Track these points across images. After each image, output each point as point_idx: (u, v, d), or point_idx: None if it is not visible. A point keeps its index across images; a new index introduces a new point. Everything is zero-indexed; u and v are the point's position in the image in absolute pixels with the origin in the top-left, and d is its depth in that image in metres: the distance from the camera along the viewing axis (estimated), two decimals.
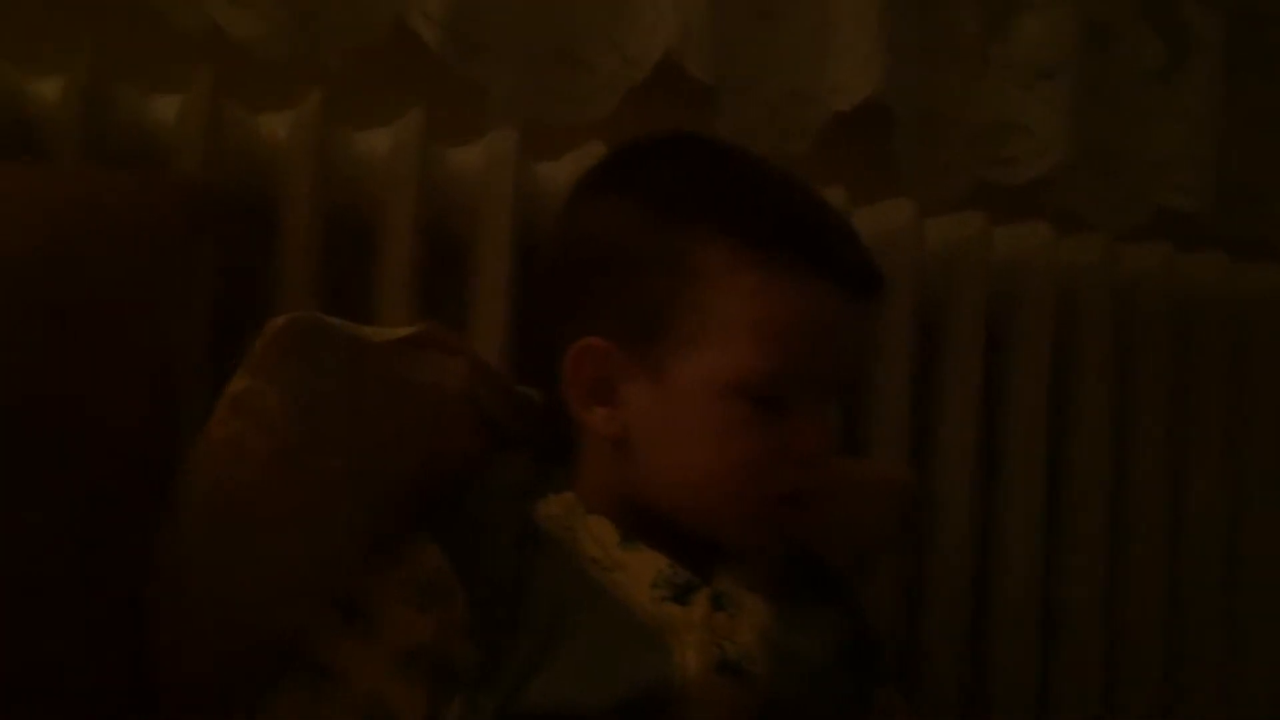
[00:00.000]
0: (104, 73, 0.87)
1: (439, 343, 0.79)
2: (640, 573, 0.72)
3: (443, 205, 0.94)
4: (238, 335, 0.75)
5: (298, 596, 0.71)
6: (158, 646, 0.70)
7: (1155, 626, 1.13)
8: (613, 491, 0.74)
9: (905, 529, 0.99)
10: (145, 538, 0.70)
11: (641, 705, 0.67)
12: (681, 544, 0.73)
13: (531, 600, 0.69)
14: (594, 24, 0.96)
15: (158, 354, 0.75)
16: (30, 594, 0.67)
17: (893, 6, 1.02)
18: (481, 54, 0.92)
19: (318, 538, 0.72)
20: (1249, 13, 1.17)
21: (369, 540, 0.73)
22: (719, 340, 0.70)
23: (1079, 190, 1.11)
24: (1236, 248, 1.19)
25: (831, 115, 1.03)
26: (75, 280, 0.71)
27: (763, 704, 0.70)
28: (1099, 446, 1.11)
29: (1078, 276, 1.12)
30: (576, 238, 0.77)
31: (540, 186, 0.96)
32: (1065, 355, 1.12)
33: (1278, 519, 1.18)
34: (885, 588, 1.01)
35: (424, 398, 0.76)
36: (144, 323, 0.74)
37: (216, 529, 0.70)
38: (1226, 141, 1.17)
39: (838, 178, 1.01)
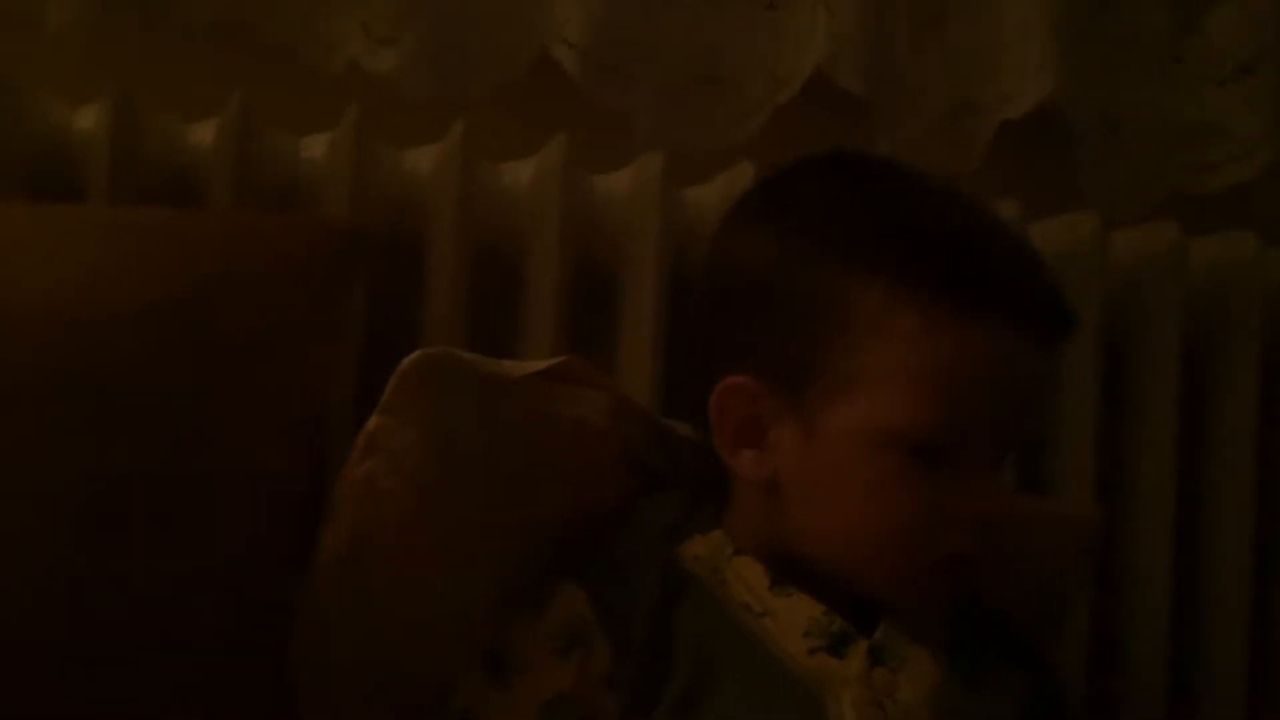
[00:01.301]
0: (254, 115, 0.88)
1: (580, 377, 0.76)
2: (792, 620, 0.67)
3: (588, 234, 0.92)
4: (388, 374, 0.73)
5: (439, 642, 0.70)
6: (303, 693, 0.70)
7: None
8: (763, 534, 0.70)
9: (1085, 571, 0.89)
10: (292, 578, 0.70)
11: None
12: (838, 590, 0.68)
13: (677, 647, 0.66)
14: (739, 43, 0.93)
15: (305, 398, 0.76)
16: (176, 640, 0.67)
17: (1069, 6, 0.95)
18: (624, 80, 0.90)
19: (458, 581, 0.70)
20: None
21: (513, 584, 0.70)
22: (875, 388, 0.64)
23: None
24: None
25: (1001, 126, 0.95)
26: (221, 325, 0.72)
27: None
28: None
29: None
30: (725, 268, 0.72)
31: (689, 212, 0.94)
32: (1277, 381, 1.00)
33: None
34: (1076, 639, 0.92)
35: (565, 434, 0.73)
36: (290, 367, 0.75)
37: (354, 571, 0.69)
38: None
39: (1012, 191, 0.94)
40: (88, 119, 0.88)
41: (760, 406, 0.67)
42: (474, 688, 0.68)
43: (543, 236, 0.91)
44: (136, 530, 0.67)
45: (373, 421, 0.68)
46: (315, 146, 0.91)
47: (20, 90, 0.88)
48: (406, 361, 0.68)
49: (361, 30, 0.86)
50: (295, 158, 0.90)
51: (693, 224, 0.93)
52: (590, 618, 0.67)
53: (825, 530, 0.67)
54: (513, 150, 0.94)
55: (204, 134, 0.89)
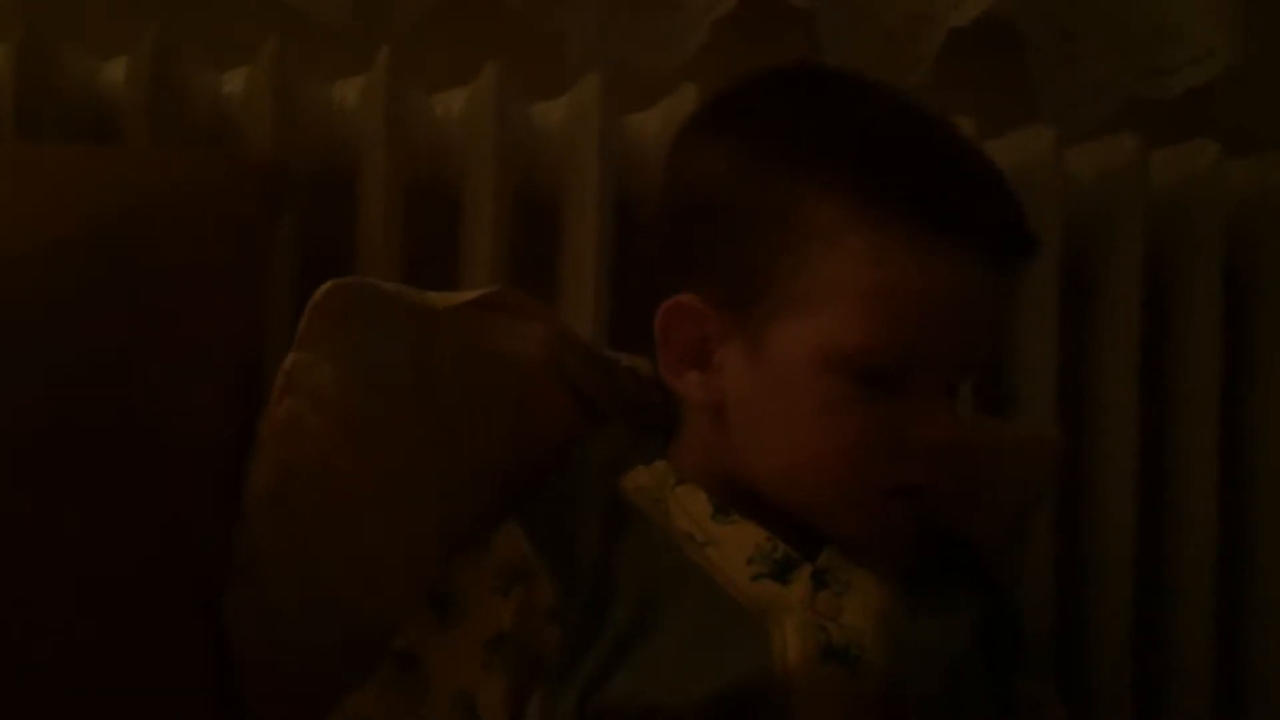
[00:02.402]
0: (171, 51, 0.85)
1: (514, 307, 0.73)
2: (735, 548, 0.65)
3: (526, 163, 0.89)
4: None
5: (381, 582, 0.68)
6: (240, 643, 0.68)
7: None
8: (712, 463, 0.67)
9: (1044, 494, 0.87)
10: (224, 523, 0.68)
11: (738, 698, 0.60)
12: (784, 516, 0.65)
13: (620, 580, 0.64)
14: None
15: (231, 335, 0.73)
16: (106, 593, 0.65)
17: None
18: (557, 1, 0.85)
19: (396, 519, 0.68)
20: None
21: (457, 523, 0.68)
22: (824, 307, 0.61)
23: (1250, 101, 0.96)
24: None
25: (952, 38, 0.92)
26: (143, 265, 0.69)
27: (881, 696, 0.62)
28: None
29: (1255, 203, 0.98)
30: (675, 186, 0.70)
31: (630, 137, 0.90)
32: (1240, 296, 0.98)
33: None
34: (1038, 565, 0.90)
35: (501, 366, 0.71)
36: (214, 303, 0.72)
37: (286, 513, 0.67)
38: None
39: (964, 106, 0.91)
40: None
41: (707, 326, 0.65)
42: (418, 627, 0.66)
43: (479, 167, 0.88)
44: (56, 479, 0.64)
45: (289, 358, 0.65)
46: (235, 81, 0.87)
47: None
48: (319, 293, 0.65)
49: None
50: (215, 94, 0.87)
51: (635, 150, 0.90)
52: (531, 554, 0.65)
53: (771, 457, 0.65)
54: (446, 80, 0.91)
55: (116, 71, 0.85)
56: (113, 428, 0.66)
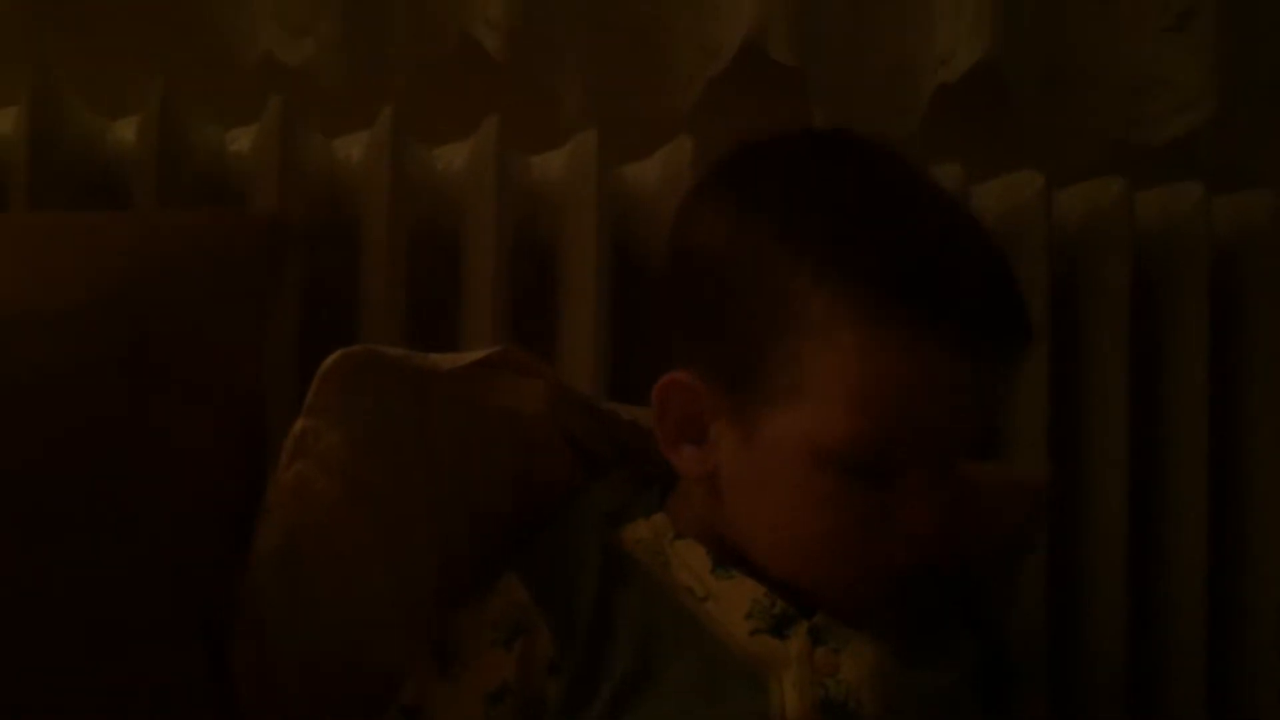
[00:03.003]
0: (176, 110, 0.87)
1: (516, 365, 0.75)
2: (733, 602, 0.66)
3: (526, 215, 0.92)
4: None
5: (383, 637, 0.69)
6: (242, 686, 0.69)
7: None
8: (705, 523, 0.69)
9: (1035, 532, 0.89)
10: (228, 575, 0.69)
11: None
12: None
13: (619, 632, 0.65)
14: (666, 16, 0.91)
15: (235, 393, 0.75)
16: (111, 633, 0.66)
17: None
18: (551, 58, 0.87)
19: (398, 576, 0.69)
20: None
21: (459, 577, 0.70)
22: (813, 402, 0.61)
23: (1231, 145, 0.98)
24: None
25: (939, 86, 0.94)
26: (151, 327, 0.71)
27: None
28: (1272, 433, 0.99)
29: (1239, 241, 1.00)
30: (678, 250, 0.70)
31: (628, 187, 0.93)
32: (1228, 331, 1.00)
33: None
34: (1030, 602, 0.92)
35: (502, 424, 0.72)
36: (217, 363, 0.74)
37: (293, 572, 0.68)
38: None
39: (953, 153, 0.93)
40: (6, 122, 0.86)
41: (702, 404, 0.66)
42: (421, 680, 0.68)
43: (479, 220, 0.90)
44: (67, 536, 0.65)
45: (298, 424, 0.67)
46: (242, 138, 0.89)
47: None
48: (327, 362, 0.67)
49: (275, 21, 0.84)
50: (222, 151, 0.89)
51: (631, 199, 0.92)
52: (530, 606, 0.66)
53: (760, 535, 0.66)
54: (446, 134, 0.93)
55: (126, 130, 0.87)
56: (122, 483, 0.68)
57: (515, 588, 0.67)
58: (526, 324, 0.91)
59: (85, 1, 0.86)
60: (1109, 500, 0.97)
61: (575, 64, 0.90)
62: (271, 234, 0.78)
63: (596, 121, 0.90)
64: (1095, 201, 0.98)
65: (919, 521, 0.63)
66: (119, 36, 0.90)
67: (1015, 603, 0.90)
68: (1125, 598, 0.96)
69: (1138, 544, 0.98)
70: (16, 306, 0.68)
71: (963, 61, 0.89)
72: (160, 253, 0.74)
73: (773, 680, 0.64)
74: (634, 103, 0.91)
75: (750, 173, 0.68)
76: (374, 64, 0.87)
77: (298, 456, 0.67)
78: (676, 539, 0.69)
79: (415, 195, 0.90)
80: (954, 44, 0.91)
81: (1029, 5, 0.95)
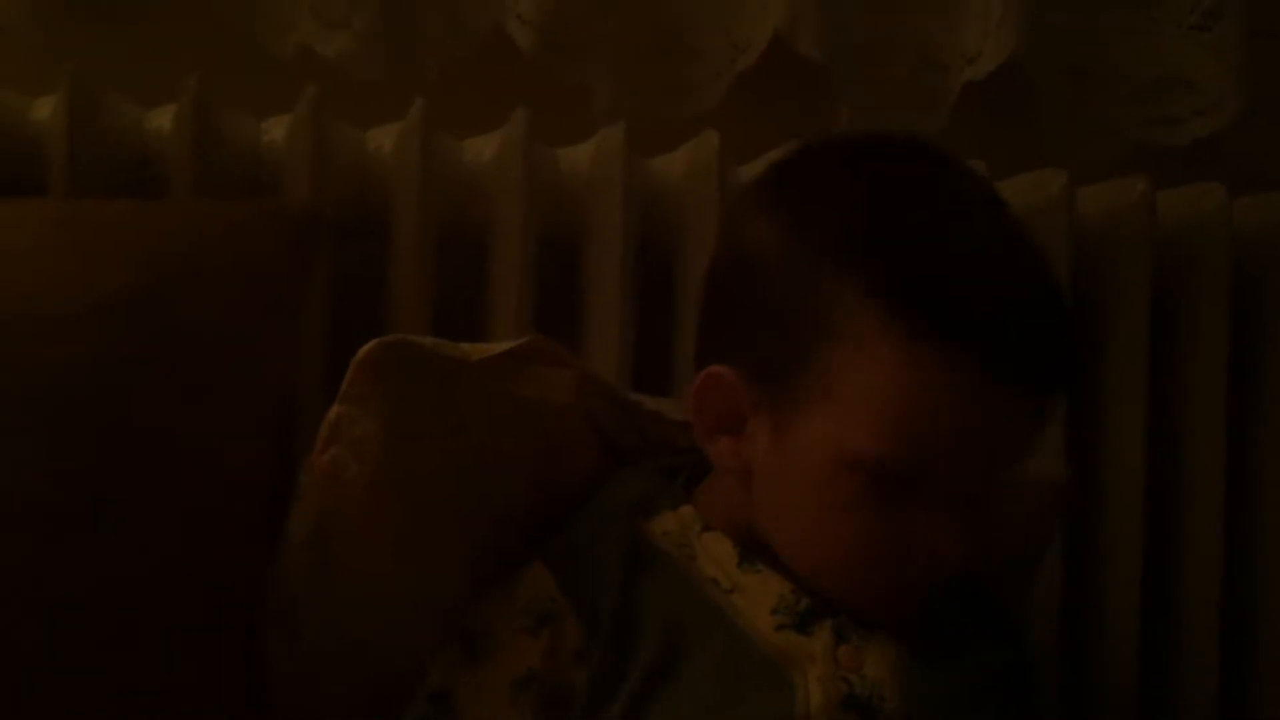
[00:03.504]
0: (212, 99, 0.88)
1: (544, 356, 0.76)
2: (759, 596, 0.67)
3: (553, 208, 0.92)
4: (355, 349, 0.73)
5: (411, 623, 0.71)
6: (274, 677, 0.71)
7: None
8: (737, 516, 0.69)
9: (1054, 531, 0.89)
10: (260, 568, 0.71)
11: None
12: None
13: (645, 622, 0.66)
14: (696, 11, 0.91)
15: (268, 385, 0.76)
16: (146, 638, 0.68)
17: None
18: (580, 53, 0.88)
19: (427, 563, 0.70)
20: None
21: (485, 564, 0.71)
22: (848, 408, 0.62)
23: (1255, 146, 0.99)
24: None
25: (967, 84, 0.94)
26: (182, 316, 0.72)
27: None
28: None
29: (1260, 242, 1.01)
30: (726, 249, 0.71)
31: (654, 181, 0.93)
32: (1247, 332, 1.00)
33: None
34: (1045, 601, 0.93)
35: (529, 414, 0.73)
36: (253, 355, 0.75)
37: (322, 557, 0.70)
38: None
39: (976, 150, 0.94)
40: (44, 110, 0.88)
41: (739, 399, 0.67)
42: (448, 666, 0.69)
43: (507, 212, 0.91)
44: (103, 527, 0.67)
45: (333, 411, 0.68)
46: (275, 129, 0.90)
47: None
48: (363, 351, 0.68)
49: (311, 15, 0.85)
50: (255, 140, 0.90)
51: (657, 193, 0.92)
52: (558, 595, 0.67)
53: (786, 534, 0.67)
54: (474, 126, 0.94)
55: (162, 120, 0.88)
56: (159, 475, 0.69)
57: (543, 576, 0.68)
58: (551, 315, 0.92)
59: None
60: (1125, 500, 0.97)
61: (604, 59, 0.90)
62: (306, 226, 0.79)
63: (624, 116, 0.90)
64: (1117, 201, 0.98)
65: (942, 542, 0.63)
66: (157, 28, 0.91)
67: (1030, 601, 0.91)
68: (1139, 597, 0.96)
69: (1153, 544, 0.98)
70: (54, 300, 0.69)
71: (990, 60, 0.90)
72: (196, 245, 0.75)
73: (797, 675, 0.65)
74: (662, 98, 0.92)
75: (806, 178, 0.68)
76: (407, 58, 0.88)
77: (331, 443, 0.68)
78: (704, 531, 0.70)
79: (444, 186, 0.91)
80: (981, 42, 0.91)
81: (1056, 4, 0.95)
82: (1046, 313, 0.64)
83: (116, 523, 0.67)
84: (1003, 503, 0.80)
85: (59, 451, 0.67)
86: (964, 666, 0.68)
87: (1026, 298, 0.63)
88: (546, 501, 0.73)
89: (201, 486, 0.70)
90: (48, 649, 0.64)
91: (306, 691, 0.71)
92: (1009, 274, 0.63)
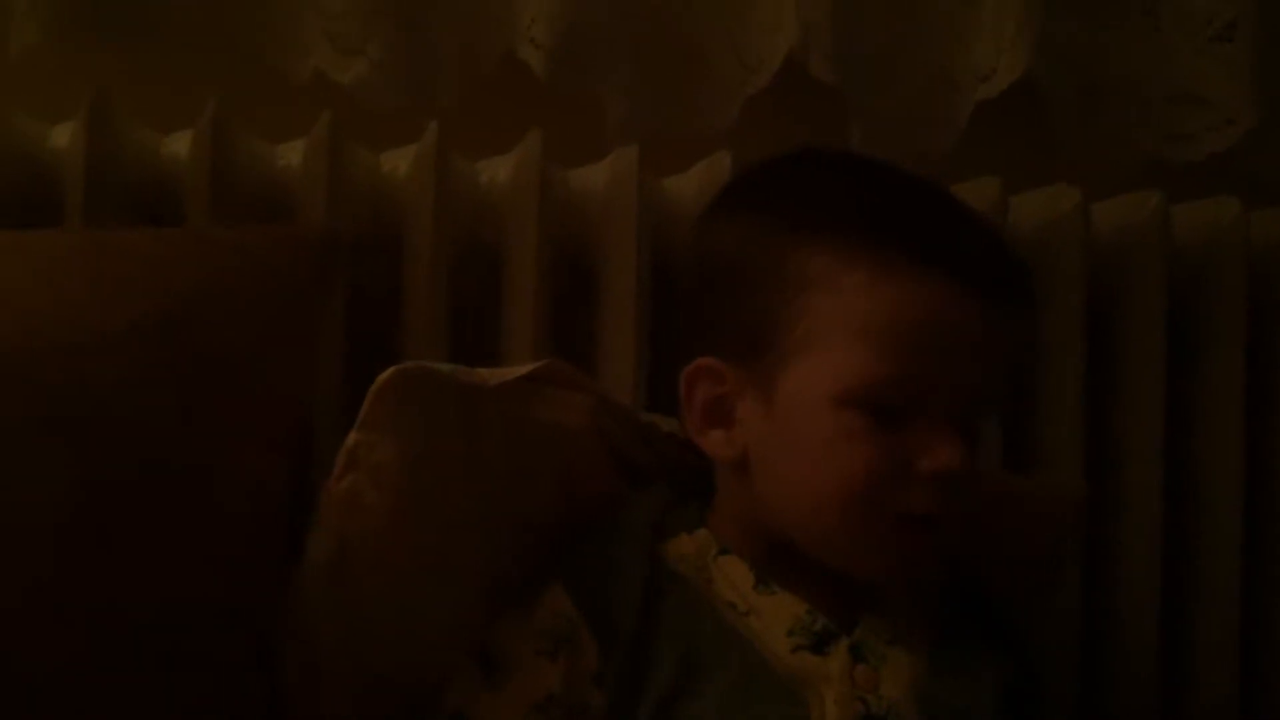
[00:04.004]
0: (228, 124, 0.88)
1: (560, 379, 0.76)
2: (775, 618, 0.68)
3: (567, 228, 0.93)
4: (371, 371, 0.74)
5: (428, 647, 0.71)
6: (290, 698, 0.71)
7: None
8: (746, 524, 0.71)
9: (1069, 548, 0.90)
10: (277, 590, 0.71)
11: None
12: (822, 587, 0.68)
13: (662, 645, 0.67)
14: (709, 33, 0.92)
15: (287, 409, 0.76)
16: (165, 660, 0.68)
17: None
18: (594, 75, 0.89)
19: (444, 587, 0.71)
20: None
21: (502, 587, 0.71)
22: (827, 347, 0.65)
23: (1270, 159, 0.98)
24: None
25: (979, 102, 0.94)
26: (202, 343, 0.73)
27: None
28: None
29: (1275, 256, 1.00)
30: (696, 261, 0.75)
31: (667, 201, 0.94)
32: (1263, 346, 1.00)
33: None
34: (1064, 617, 0.93)
35: (547, 437, 0.74)
36: (272, 380, 0.75)
37: (342, 582, 0.70)
38: None
39: (989, 167, 0.94)
40: (62, 136, 0.88)
41: (726, 385, 0.69)
42: (466, 689, 0.69)
43: (522, 232, 0.91)
44: (123, 551, 0.67)
45: (352, 437, 0.69)
46: (291, 153, 0.91)
47: None
48: (382, 378, 0.68)
49: (327, 41, 0.86)
50: (272, 165, 0.91)
51: (671, 214, 0.93)
52: (576, 618, 0.68)
53: (791, 500, 0.68)
54: (488, 147, 0.94)
55: (179, 145, 0.89)
56: (183, 501, 0.70)
57: (560, 599, 0.69)
58: (566, 334, 0.92)
59: (142, 20, 0.88)
60: (1143, 514, 0.96)
61: (617, 81, 0.91)
62: (324, 251, 0.80)
63: (638, 137, 0.91)
64: (1132, 216, 0.98)
65: (936, 461, 0.64)
66: (174, 55, 0.92)
67: (1046, 617, 0.91)
68: (1158, 611, 0.96)
69: (1172, 558, 0.98)
70: (73, 328, 0.70)
71: (1004, 78, 0.90)
72: (215, 272, 0.75)
73: (813, 696, 0.65)
74: (675, 119, 0.92)
75: (753, 182, 0.74)
76: (421, 84, 0.88)
77: (350, 469, 0.69)
78: (720, 555, 0.70)
79: (459, 208, 0.91)
80: (995, 60, 0.91)
81: (1068, 21, 0.95)
82: (990, 233, 0.70)
83: (136, 545, 0.67)
84: (1025, 515, 0.81)
85: (80, 475, 0.67)
86: (978, 685, 0.69)
87: (971, 220, 0.70)
88: (562, 523, 0.73)
89: (221, 509, 0.71)
90: (66, 668, 0.65)
91: (323, 713, 0.71)
92: (949, 206, 0.70)
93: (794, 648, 0.67)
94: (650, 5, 0.91)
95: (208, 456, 0.71)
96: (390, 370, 0.69)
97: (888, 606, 0.70)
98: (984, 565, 0.77)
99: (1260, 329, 1.00)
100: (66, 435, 0.67)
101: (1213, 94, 0.96)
